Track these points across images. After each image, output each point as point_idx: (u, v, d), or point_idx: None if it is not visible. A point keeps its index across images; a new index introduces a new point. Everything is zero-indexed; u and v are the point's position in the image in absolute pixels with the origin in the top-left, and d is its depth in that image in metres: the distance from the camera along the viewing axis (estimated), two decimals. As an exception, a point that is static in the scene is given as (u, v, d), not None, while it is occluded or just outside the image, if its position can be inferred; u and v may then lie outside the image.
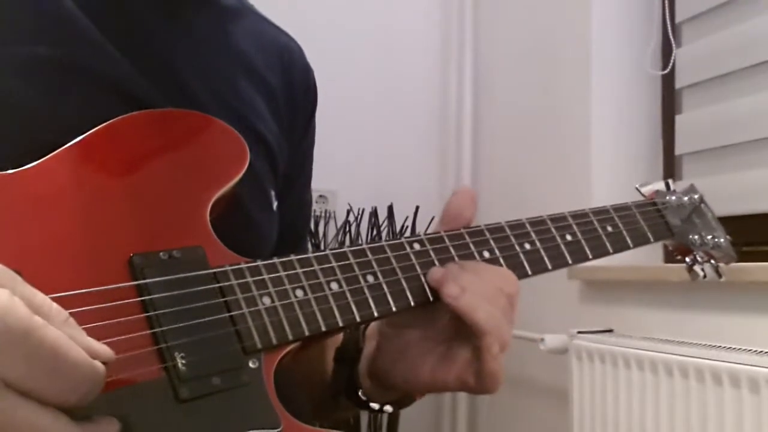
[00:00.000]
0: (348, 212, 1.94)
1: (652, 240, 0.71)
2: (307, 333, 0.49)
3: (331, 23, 1.99)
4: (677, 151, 1.63)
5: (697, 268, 0.75)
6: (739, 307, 1.29)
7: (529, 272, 0.61)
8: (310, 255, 0.52)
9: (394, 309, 0.54)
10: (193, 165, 0.54)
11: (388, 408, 0.61)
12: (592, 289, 1.64)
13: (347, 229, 1.92)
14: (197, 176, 0.53)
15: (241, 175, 0.55)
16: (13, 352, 0.33)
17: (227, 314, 0.47)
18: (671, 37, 1.61)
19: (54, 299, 0.37)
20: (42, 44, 0.55)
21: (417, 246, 0.57)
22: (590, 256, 0.65)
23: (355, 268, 0.54)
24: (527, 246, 0.62)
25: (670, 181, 0.78)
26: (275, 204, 0.68)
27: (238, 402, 0.46)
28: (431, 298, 0.56)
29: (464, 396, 2.04)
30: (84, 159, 0.50)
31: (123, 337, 0.43)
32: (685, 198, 0.77)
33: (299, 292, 0.50)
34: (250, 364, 0.47)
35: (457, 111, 2.15)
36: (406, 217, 1.94)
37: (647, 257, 1.58)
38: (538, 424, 1.77)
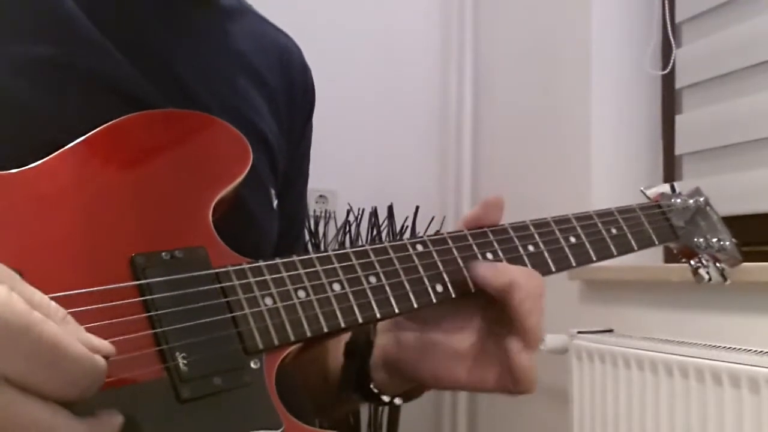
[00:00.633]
0: (348, 212, 1.94)
1: (656, 243, 0.71)
2: (309, 334, 0.49)
3: (331, 23, 1.99)
4: (677, 151, 1.63)
5: (702, 271, 0.74)
6: (739, 307, 1.29)
7: None
8: (312, 256, 0.52)
9: (396, 311, 0.54)
10: (196, 165, 0.54)
11: (398, 401, 0.62)
12: (593, 289, 1.65)
13: (347, 229, 1.92)
14: (200, 176, 0.53)
15: (244, 175, 0.55)
16: (12, 348, 0.33)
17: (229, 315, 0.47)
18: (671, 37, 1.61)
19: (55, 299, 0.37)
20: (42, 44, 0.55)
21: (420, 247, 0.57)
22: (594, 259, 0.65)
23: (358, 269, 0.53)
24: (531, 248, 0.62)
25: (675, 183, 0.78)
26: (275, 203, 0.68)
27: (239, 402, 0.46)
28: (435, 300, 0.56)
29: (464, 396, 2.04)
30: (86, 159, 0.50)
31: (124, 337, 0.43)
32: (690, 201, 0.76)
33: (301, 293, 0.50)
34: (252, 365, 0.47)
35: (457, 111, 2.15)
36: (406, 217, 1.94)
37: (648, 257, 1.58)
38: (538, 424, 1.77)
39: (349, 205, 1.95)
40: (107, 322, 0.43)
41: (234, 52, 0.68)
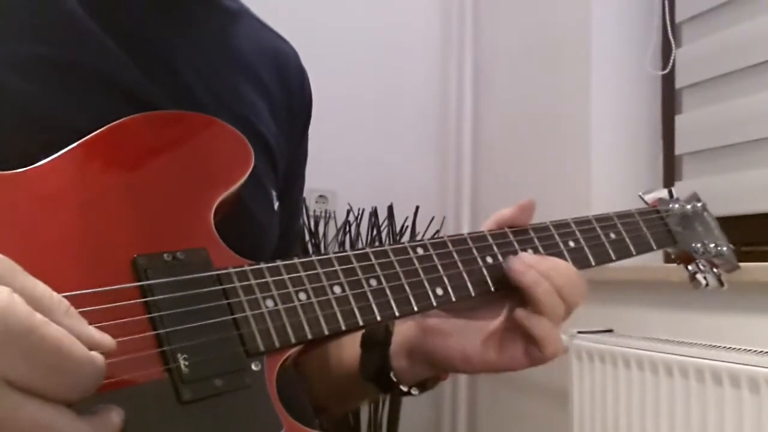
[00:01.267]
0: (348, 212, 1.94)
1: (654, 248, 0.72)
2: (309, 336, 0.49)
3: (331, 23, 1.99)
4: (677, 151, 1.64)
5: (699, 276, 0.75)
6: (739, 307, 1.29)
7: None
8: (314, 258, 0.52)
9: (397, 314, 0.54)
10: (198, 166, 0.54)
11: (414, 391, 0.65)
12: (592, 289, 1.63)
13: (347, 229, 1.92)
14: (201, 178, 0.53)
15: (245, 177, 0.55)
16: (14, 352, 0.33)
17: (230, 317, 0.47)
18: (671, 37, 1.61)
19: None
20: (43, 43, 0.55)
21: (420, 250, 0.58)
22: (593, 263, 0.66)
23: (359, 271, 0.54)
24: (530, 252, 0.63)
25: (673, 189, 0.78)
26: (276, 204, 0.68)
27: (240, 404, 0.46)
28: (435, 304, 0.56)
29: (464, 396, 2.04)
30: (88, 160, 0.50)
31: (126, 338, 0.43)
32: (688, 206, 0.77)
33: (302, 295, 0.50)
34: (253, 367, 0.47)
35: (457, 111, 2.15)
36: (406, 217, 1.94)
37: (647, 257, 1.58)
38: (538, 424, 1.77)
39: (349, 205, 1.95)
40: (109, 323, 0.43)
41: (234, 53, 0.68)
